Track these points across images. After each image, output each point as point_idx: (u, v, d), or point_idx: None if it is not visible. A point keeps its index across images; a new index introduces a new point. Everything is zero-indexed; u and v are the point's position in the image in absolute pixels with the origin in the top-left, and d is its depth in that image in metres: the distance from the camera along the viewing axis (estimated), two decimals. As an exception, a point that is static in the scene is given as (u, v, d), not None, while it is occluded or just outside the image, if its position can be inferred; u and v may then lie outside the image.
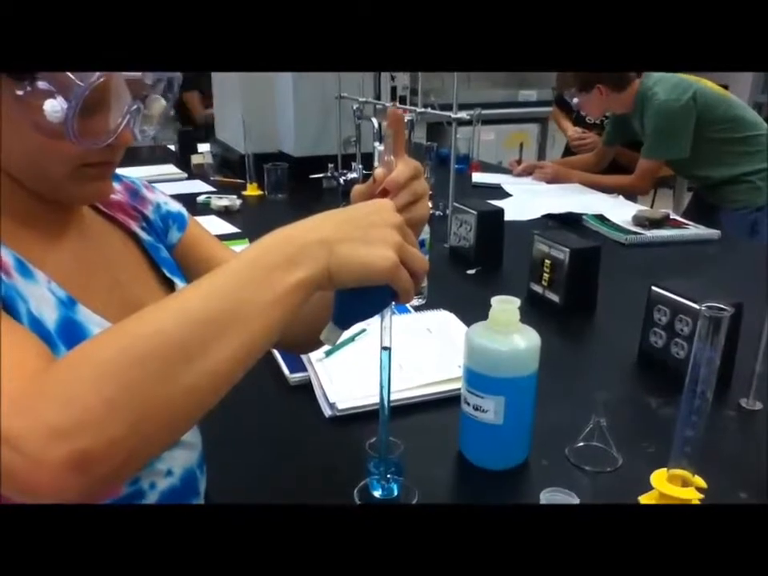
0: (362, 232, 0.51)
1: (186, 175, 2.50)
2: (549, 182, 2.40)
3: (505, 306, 0.78)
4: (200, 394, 0.45)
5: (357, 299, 0.54)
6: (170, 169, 2.56)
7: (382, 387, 0.67)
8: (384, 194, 0.58)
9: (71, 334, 0.54)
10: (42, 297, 0.54)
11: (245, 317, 0.47)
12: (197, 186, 2.32)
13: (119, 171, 0.67)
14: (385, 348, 0.64)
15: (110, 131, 0.55)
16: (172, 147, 2.97)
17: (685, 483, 0.75)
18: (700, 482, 0.74)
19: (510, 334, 0.78)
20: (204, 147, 2.76)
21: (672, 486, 0.75)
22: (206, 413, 0.48)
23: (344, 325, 0.56)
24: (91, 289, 0.61)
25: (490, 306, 0.80)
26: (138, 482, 0.61)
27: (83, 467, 0.40)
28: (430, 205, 1.91)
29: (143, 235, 0.70)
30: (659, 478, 0.76)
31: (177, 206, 0.78)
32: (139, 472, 0.60)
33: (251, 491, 0.81)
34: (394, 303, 0.57)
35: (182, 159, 2.67)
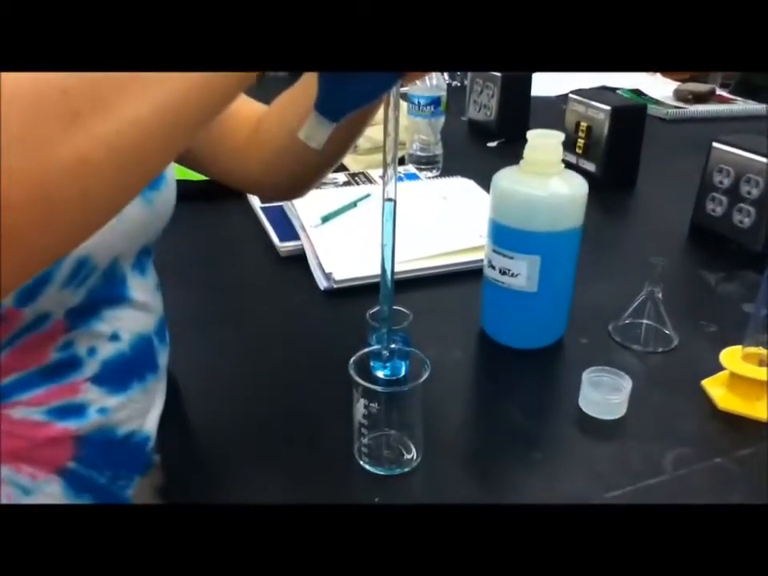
0: None
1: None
2: None
3: (544, 141, 0.61)
4: (91, 168, 0.30)
5: None
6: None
7: (384, 247, 0.51)
8: None
9: None
10: None
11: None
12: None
13: None
14: (389, 200, 0.49)
15: None
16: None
17: (763, 362, 0.60)
18: (784, 360, 0.60)
19: (549, 178, 0.61)
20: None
21: (748, 364, 0.60)
22: (108, 206, 0.33)
23: (331, 110, 0.39)
24: None
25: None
26: (71, 346, 0.48)
27: None
28: (446, 76, 1.71)
29: None
30: (731, 357, 0.61)
31: None
32: (68, 332, 0.47)
33: (230, 373, 0.67)
34: (400, 84, 0.40)
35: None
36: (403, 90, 0.84)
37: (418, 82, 1.09)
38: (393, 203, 0.48)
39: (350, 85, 0.39)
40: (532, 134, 0.62)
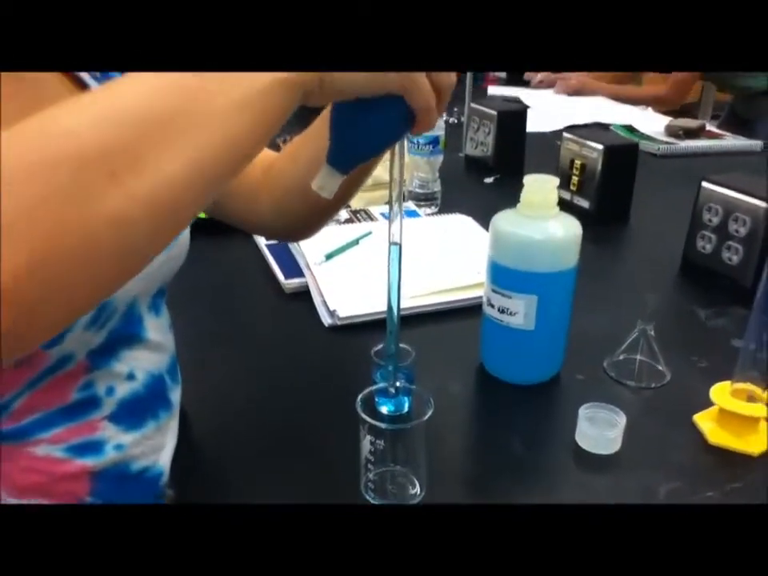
0: None
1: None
2: (571, 94, 2.21)
3: (540, 185, 0.64)
4: (128, 227, 0.32)
5: (359, 120, 0.40)
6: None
7: (390, 288, 0.54)
8: None
9: None
10: None
11: (198, 117, 0.33)
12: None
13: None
14: (394, 243, 0.51)
15: None
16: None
17: (752, 398, 0.63)
18: (772, 396, 0.62)
19: (546, 221, 0.65)
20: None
21: (736, 401, 0.63)
22: (143, 260, 0.35)
23: (342, 163, 0.42)
24: None
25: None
26: (91, 386, 0.50)
27: None
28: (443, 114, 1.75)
29: None
30: (721, 393, 0.64)
31: None
32: (90, 373, 0.49)
33: (239, 409, 0.69)
34: (409, 135, 0.43)
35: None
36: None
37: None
38: (398, 248, 0.50)
39: (361, 139, 0.42)
40: (529, 179, 0.65)
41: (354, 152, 0.43)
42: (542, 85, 2.30)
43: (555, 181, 0.64)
